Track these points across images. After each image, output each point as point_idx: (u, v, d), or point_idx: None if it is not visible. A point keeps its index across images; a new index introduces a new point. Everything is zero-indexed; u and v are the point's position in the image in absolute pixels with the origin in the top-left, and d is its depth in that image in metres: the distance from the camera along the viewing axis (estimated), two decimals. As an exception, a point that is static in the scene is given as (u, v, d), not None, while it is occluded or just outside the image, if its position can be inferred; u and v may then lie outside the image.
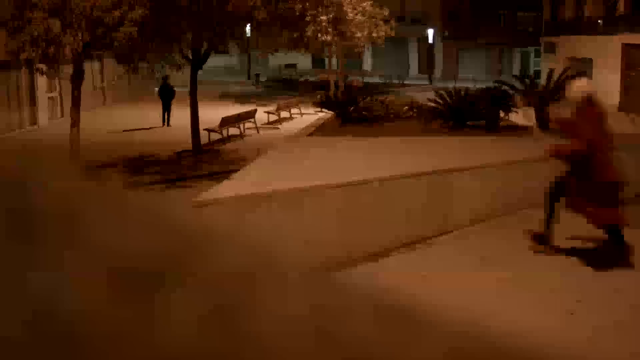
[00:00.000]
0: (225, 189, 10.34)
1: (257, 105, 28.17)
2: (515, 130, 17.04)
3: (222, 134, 22.22)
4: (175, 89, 25.80)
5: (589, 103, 9.09)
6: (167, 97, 25.76)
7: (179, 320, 0.49)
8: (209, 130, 21.65)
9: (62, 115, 24.40)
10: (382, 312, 0.59)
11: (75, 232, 0.58)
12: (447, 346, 0.60)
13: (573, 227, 9.72)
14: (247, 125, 24.13)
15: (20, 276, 0.53)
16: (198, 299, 0.54)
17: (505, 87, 17.86)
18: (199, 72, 20.40)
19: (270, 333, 0.49)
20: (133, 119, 26.77)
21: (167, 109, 25.61)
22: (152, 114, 28.20)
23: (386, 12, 29.67)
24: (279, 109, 27.79)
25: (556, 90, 17.23)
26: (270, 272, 0.63)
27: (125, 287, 0.54)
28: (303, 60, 48.04)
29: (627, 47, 27.26)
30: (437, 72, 50.01)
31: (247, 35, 23.06)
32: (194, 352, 0.51)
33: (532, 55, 48.59)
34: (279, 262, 0.64)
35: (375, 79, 43.28)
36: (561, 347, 6.94)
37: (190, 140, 19.83)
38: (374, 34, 29.57)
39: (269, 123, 26.42)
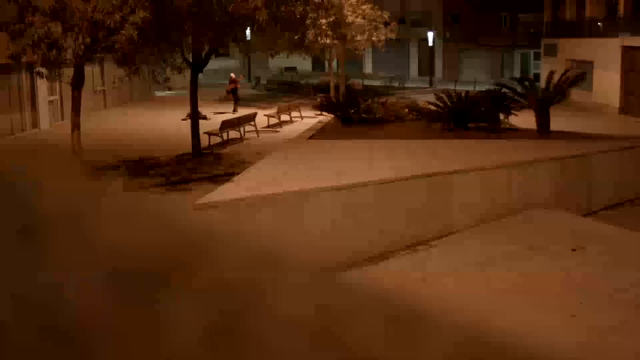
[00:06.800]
0: (226, 192, 10.35)
1: (257, 109, 28.16)
2: (516, 132, 17.05)
3: (222, 137, 22.22)
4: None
5: None
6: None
7: (184, 322, 0.49)
8: (210, 134, 21.65)
9: (63, 119, 24.39)
10: (387, 313, 0.59)
11: (80, 233, 0.58)
12: (452, 347, 0.60)
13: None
14: (247, 128, 24.13)
15: (25, 275, 0.54)
16: (202, 301, 0.54)
17: (505, 90, 17.86)
18: (200, 74, 20.38)
19: (276, 333, 0.50)
20: (136, 122, 26.78)
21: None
22: (152, 115, 28.24)
23: (386, 16, 29.68)
24: (279, 112, 27.77)
25: (556, 92, 17.21)
26: (274, 274, 0.63)
27: (130, 288, 0.54)
28: (303, 63, 48.00)
29: (627, 50, 27.25)
30: (438, 74, 49.99)
31: (248, 38, 23.06)
32: (199, 352, 0.52)
33: (532, 57, 48.54)
34: (282, 264, 0.64)
35: (376, 82, 43.26)
36: (562, 347, 6.93)
37: (189, 143, 19.81)
38: (374, 37, 29.57)
39: (269, 126, 26.42)
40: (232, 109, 30.08)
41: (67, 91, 18.50)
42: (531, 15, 47.09)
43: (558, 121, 16.91)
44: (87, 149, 16.53)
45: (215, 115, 27.01)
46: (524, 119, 17.48)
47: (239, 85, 31.41)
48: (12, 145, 20.51)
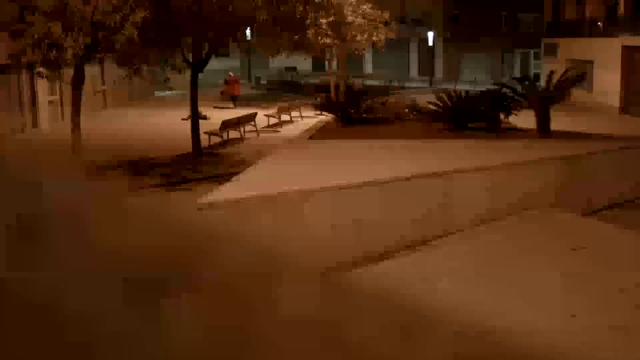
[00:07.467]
0: (227, 192, 10.34)
1: (257, 108, 28.16)
2: (516, 132, 17.03)
3: (222, 137, 22.23)
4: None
5: None
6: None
7: (186, 321, 0.49)
8: (210, 134, 21.65)
9: (63, 119, 24.39)
10: (387, 312, 0.59)
11: (81, 233, 0.58)
12: (453, 346, 0.60)
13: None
14: (248, 128, 24.13)
15: (27, 274, 0.54)
16: (205, 299, 0.54)
17: (505, 90, 17.83)
18: (200, 74, 20.36)
19: (278, 332, 0.50)
20: (136, 122, 26.79)
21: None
22: (152, 115, 28.24)
23: (386, 15, 29.64)
24: (279, 112, 27.77)
25: (557, 92, 17.19)
26: (276, 274, 0.63)
27: (134, 288, 0.54)
28: (304, 63, 47.97)
29: (627, 50, 27.22)
30: (438, 74, 49.95)
31: (248, 38, 23.06)
32: (201, 352, 0.52)
33: (532, 57, 48.46)
34: (283, 264, 0.64)
35: (376, 81, 43.21)
36: (562, 347, 6.94)
37: (190, 143, 19.81)
38: (374, 37, 29.55)
39: (269, 126, 26.42)
40: (230, 105, 30.88)
41: (67, 91, 18.49)
42: (531, 15, 47.05)
43: (558, 121, 16.90)
44: (87, 149, 16.53)
45: (215, 115, 27.01)
46: (524, 119, 17.48)
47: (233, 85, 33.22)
48: (13, 145, 20.51)
